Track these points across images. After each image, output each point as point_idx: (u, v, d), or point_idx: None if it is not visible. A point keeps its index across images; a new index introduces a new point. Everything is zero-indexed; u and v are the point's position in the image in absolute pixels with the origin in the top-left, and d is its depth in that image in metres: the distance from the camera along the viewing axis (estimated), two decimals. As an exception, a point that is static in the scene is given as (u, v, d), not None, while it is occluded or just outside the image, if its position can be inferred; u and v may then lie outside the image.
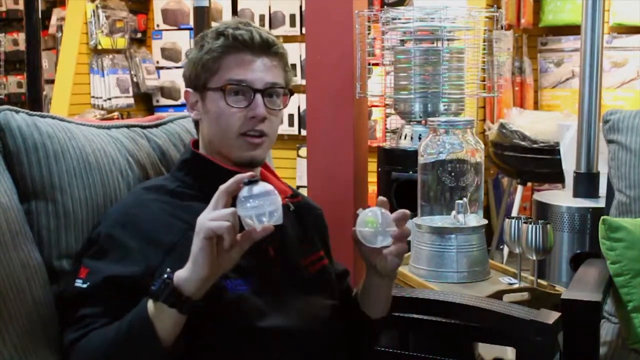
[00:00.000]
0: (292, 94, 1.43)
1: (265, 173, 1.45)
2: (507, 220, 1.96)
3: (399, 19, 2.68)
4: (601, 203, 2.38)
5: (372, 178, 2.97)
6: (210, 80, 1.37)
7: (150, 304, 1.17)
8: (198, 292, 1.16)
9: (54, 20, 5.51)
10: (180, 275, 1.15)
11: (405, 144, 2.66)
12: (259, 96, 1.35)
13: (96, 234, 1.33)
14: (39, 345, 1.28)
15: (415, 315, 1.68)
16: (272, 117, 1.38)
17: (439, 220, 2.06)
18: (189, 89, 1.42)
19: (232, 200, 1.16)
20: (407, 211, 1.30)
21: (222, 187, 1.16)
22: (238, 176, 1.16)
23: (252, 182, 1.15)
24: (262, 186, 1.15)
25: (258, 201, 1.13)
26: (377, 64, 3.28)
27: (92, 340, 1.22)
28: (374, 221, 1.27)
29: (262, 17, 4.87)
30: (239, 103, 1.36)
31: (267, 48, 1.37)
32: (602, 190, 2.48)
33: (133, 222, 1.31)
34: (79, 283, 1.27)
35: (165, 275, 1.16)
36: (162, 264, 1.26)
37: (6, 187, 1.32)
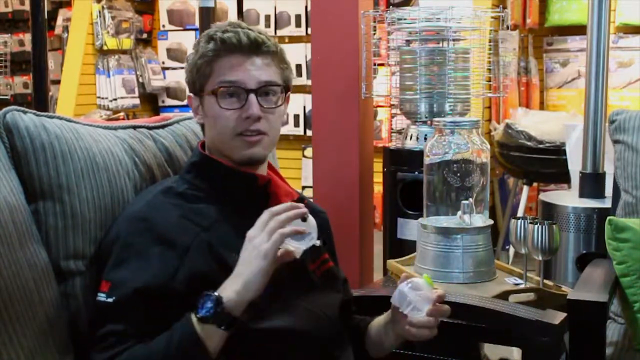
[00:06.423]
0: (288, 90, 1.42)
1: (272, 175, 1.45)
2: (513, 220, 1.96)
3: (405, 19, 2.68)
4: (607, 203, 2.38)
5: (378, 178, 2.97)
6: (205, 84, 1.38)
7: (196, 323, 1.19)
8: (242, 310, 1.21)
9: (60, 21, 5.53)
10: (231, 297, 1.19)
11: (411, 144, 2.66)
12: (252, 96, 1.35)
13: (110, 241, 1.33)
14: (45, 345, 1.28)
15: (421, 316, 1.67)
16: (269, 116, 1.38)
17: (444, 221, 2.06)
18: (190, 94, 1.43)
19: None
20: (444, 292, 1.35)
21: (274, 211, 1.24)
22: (292, 213, 1.23)
23: (303, 219, 1.26)
24: (309, 221, 1.26)
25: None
26: (382, 64, 3.29)
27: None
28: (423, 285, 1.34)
29: (267, 18, 4.88)
30: (232, 104, 1.36)
31: (256, 48, 1.37)
32: (608, 190, 2.48)
33: (149, 226, 1.30)
34: (102, 297, 1.27)
35: (215, 298, 1.19)
36: (180, 266, 1.26)
37: (13, 187, 1.32)
